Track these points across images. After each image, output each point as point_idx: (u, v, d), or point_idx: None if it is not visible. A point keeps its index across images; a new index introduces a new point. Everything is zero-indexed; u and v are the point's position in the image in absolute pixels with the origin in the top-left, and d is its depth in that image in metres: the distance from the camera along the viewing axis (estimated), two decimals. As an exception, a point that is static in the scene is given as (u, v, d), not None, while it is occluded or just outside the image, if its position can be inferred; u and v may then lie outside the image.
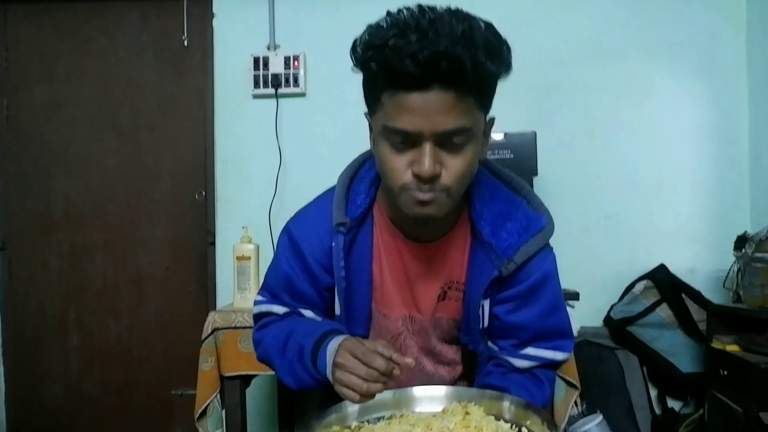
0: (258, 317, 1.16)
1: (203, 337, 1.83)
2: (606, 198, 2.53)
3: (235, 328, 1.84)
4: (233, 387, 1.86)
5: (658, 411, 2.42)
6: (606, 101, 2.54)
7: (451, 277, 1.06)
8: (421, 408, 0.98)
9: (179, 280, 2.62)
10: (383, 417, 0.95)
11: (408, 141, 0.85)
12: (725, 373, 2.02)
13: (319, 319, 1.10)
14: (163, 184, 2.63)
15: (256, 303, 1.17)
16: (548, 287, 1.05)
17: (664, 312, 2.39)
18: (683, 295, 2.39)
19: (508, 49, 0.86)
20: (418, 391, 1.01)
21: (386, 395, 0.98)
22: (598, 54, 2.54)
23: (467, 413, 0.89)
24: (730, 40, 2.51)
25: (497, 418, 0.90)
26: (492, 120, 0.97)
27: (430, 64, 0.77)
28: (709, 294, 2.39)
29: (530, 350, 1.06)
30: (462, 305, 1.07)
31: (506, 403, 0.94)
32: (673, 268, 2.44)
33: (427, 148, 0.84)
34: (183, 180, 2.63)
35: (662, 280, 2.43)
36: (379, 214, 1.08)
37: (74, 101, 2.64)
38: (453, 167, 0.87)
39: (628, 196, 2.53)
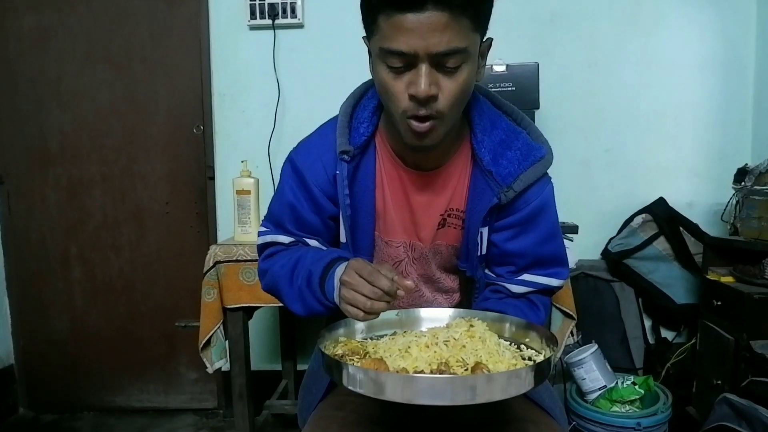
0: (263, 248, 1.17)
1: (205, 270, 1.86)
2: (607, 131, 2.51)
3: (237, 261, 1.86)
4: (236, 318, 1.90)
5: (651, 341, 2.48)
6: (611, 32, 2.47)
7: (451, 204, 1.08)
8: (426, 326, 1.00)
9: (179, 214, 2.63)
10: (388, 334, 0.98)
11: (405, 63, 0.87)
12: (718, 303, 2.06)
13: (324, 248, 1.11)
14: (159, 118, 2.59)
15: (260, 234, 1.17)
16: (546, 215, 1.07)
17: (661, 245, 2.42)
18: (681, 229, 2.41)
19: None
20: (423, 311, 1.04)
21: (391, 315, 1.01)
22: (605, -19, 2.45)
23: (471, 326, 0.92)
24: (740, -32, 2.42)
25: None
26: (489, 41, 0.97)
27: None
28: (706, 227, 2.41)
29: (526, 276, 1.10)
30: (461, 232, 1.09)
31: (507, 324, 0.97)
32: (672, 202, 2.45)
33: (423, 68, 0.86)
34: (179, 113, 2.59)
35: (661, 213, 2.44)
36: (382, 143, 1.08)
37: (64, 31, 2.56)
38: (448, 89, 0.89)
39: (629, 130, 2.50)
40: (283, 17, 2.46)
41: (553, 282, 1.11)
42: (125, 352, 2.71)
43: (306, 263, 1.03)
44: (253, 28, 2.50)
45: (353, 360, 0.85)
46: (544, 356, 0.87)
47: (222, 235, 2.57)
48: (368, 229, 1.10)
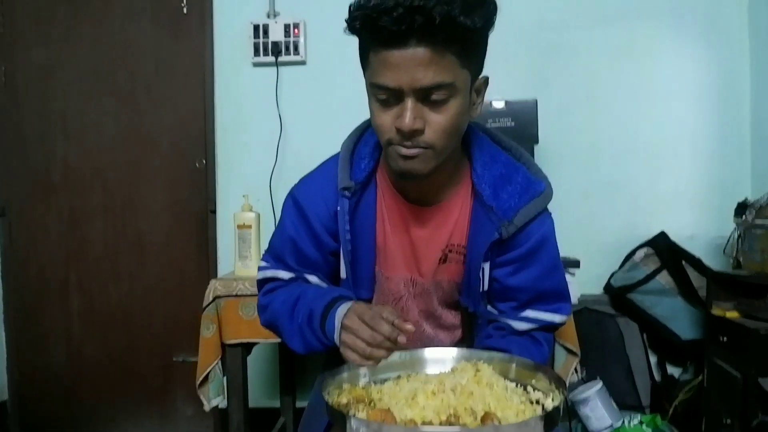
0: (263, 282, 1.16)
1: (204, 304, 1.84)
2: (606, 164, 2.51)
3: (237, 296, 1.84)
4: (235, 354, 1.87)
5: (657, 377, 2.44)
6: (607, 64, 2.50)
7: (452, 239, 1.07)
8: (430, 369, 0.99)
9: (180, 247, 2.62)
10: (391, 378, 0.96)
11: (392, 97, 0.89)
12: (724, 339, 2.03)
13: (324, 285, 1.11)
14: (163, 151, 2.61)
15: (260, 269, 1.17)
16: (547, 249, 1.07)
17: (664, 279, 2.40)
18: (683, 262, 2.39)
19: (492, 4, 0.87)
20: (427, 352, 1.02)
21: (394, 356, 0.98)
22: (600, 16, 2.49)
23: (477, 371, 0.90)
24: (732, 2, 2.46)
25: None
26: (485, 79, 0.98)
27: (405, 19, 0.81)
28: (709, 260, 2.38)
29: (529, 312, 1.08)
30: (463, 268, 1.08)
31: (513, 365, 0.95)
32: (673, 235, 2.44)
33: (409, 103, 0.88)
34: (182, 146, 2.60)
35: (662, 247, 2.42)
36: (382, 178, 1.09)
37: (70, 64, 2.60)
38: (435, 123, 0.90)
39: (628, 162, 2.51)
40: (286, 54, 2.50)
41: (556, 318, 1.10)
42: (122, 384, 2.67)
43: (307, 300, 1.02)
44: (256, 64, 2.54)
45: (358, 409, 0.83)
46: (552, 400, 0.86)
47: (222, 268, 2.56)
48: (369, 264, 1.09)
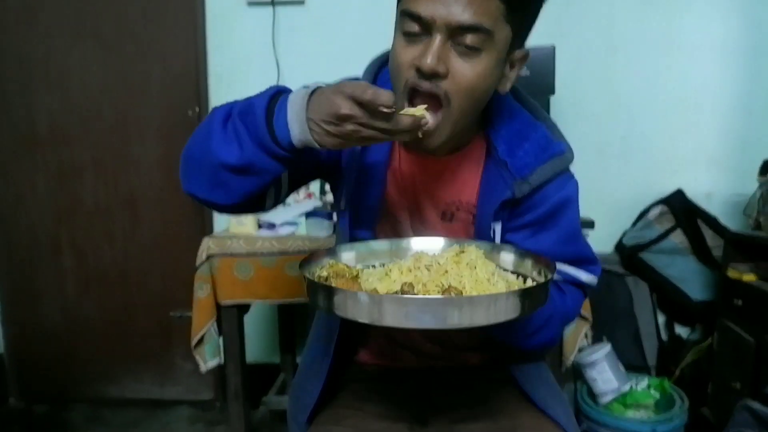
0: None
1: (197, 263, 1.75)
2: (623, 118, 2.39)
3: (231, 255, 1.75)
4: (230, 315, 1.80)
5: (665, 337, 2.39)
6: (630, 13, 2.33)
7: (461, 197, 0.98)
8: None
9: (174, 202, 2.51)
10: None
11: (420, 31, 0.79)
12: (739, 302, 1.96)
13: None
14: (153, 100, 2.47)
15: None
16: (568, 213, 0.96)
17: (677, 238, 2.31)
18: (699, 221, 2.30)
19: None
20: (415, 242, 0.95)
21: (383, 245, 0.94)
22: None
23: (462, 251, 0.83)
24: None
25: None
26: (525, 53, 0.88)
27: None
28: (726, 220, 2.30)
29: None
30: (472, 228, 0.99)
31: (501, 251, 0.90)
32: (690, 192, 2.34)
33: (437, 39, 0.78)
34: (174, 96, 2.46)
35: (678, 205, 2.33)
36: None
37: (51, 8, 2.42)
38: (460, 74, 0.79)
39: (646, 116, 2.38)
40: (283, -7, 2.34)
41: (582, 275, 1.00)
42: (119, 342, 2.62)
43: (242, 103, 0.83)
44: (251, 4, 2.38)
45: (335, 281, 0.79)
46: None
47: (218, 224, 2.47)
48: (375, 195, 0.97)
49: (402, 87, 0.82)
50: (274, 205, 0.95)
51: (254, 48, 2.40)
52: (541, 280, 0.80)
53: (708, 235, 2.29)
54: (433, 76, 0.78)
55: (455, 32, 0.77)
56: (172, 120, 2.47)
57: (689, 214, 2.31)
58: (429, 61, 0.77)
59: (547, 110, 2.00)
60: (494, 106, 0.95)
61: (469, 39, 0.77)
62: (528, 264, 0.87)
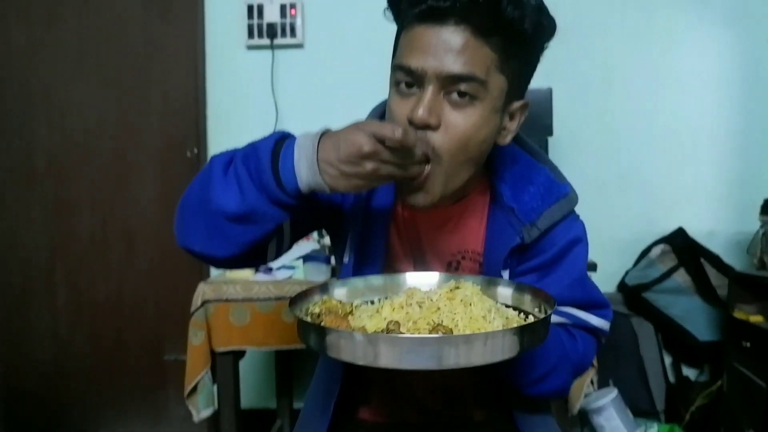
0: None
1: (192, 309, 1.71)
2: (622, 155, 2.39)
3: (227, 300, 1.71)
4: (225, 362, 1.74)
5: (672, 379, 2.33)
6: (624, 46, 2.36)
7: (466, 245, 0.96)
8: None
9: (170, 241, 2.46)
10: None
11: (413, 82, 0.79)
12: (747, 345, 1.91)
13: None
14: (152, 139, 2.47)
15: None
16: (576, 255, 0.93)
17: (681, 277, 2.28)
18: (702, 260, 2.27)
19: (549, 19, 0.80)
20: (410, 277, 0.91)
21: (377, 280, 0.91)
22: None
23: (457, 287, 0.80)
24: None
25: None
26: (524, 104, 0.87)
27: None
28: (728, 258, 2.27)
29: (560, 307, 0.94)
30: None
31: (498, 286, 0.87)
32: (692, 229, 2.31)
33: (429, 91, 0.77)
34: (173, 134, 2.46)
35: (680, 244, 2.30)
36: None
37: (53, 46, 2.45)
38: (452, 124, 0.78)
39: (645, 153, 2.38)
40: (282, 37, 2.36)
41: (592, 319, 0.96)
42: (112, 382, 2.56)
43: (246, 148, 0.79)
44: (251, 47, 2.40)
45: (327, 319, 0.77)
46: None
47: (214, 269, 2.43)
48: (379, 245, 0.94)
49: None
50: (276, 256, 0.92)
51: (253, 89, 2.42)
52: (542, 316, 0.77)
53: (711, 274, 2.26)
54: (425, 127, 0.77)
55: (447, 83, 0.76)
56: (171, 158, 2.47)
57: (691, 252, 2.28)
58: (420, 113, 0.76)
59: (546, 150, 1.99)
60: (495, 152, 0.93)
61: (463, 88, 0.77)
62: (527, 299, 0.84)
